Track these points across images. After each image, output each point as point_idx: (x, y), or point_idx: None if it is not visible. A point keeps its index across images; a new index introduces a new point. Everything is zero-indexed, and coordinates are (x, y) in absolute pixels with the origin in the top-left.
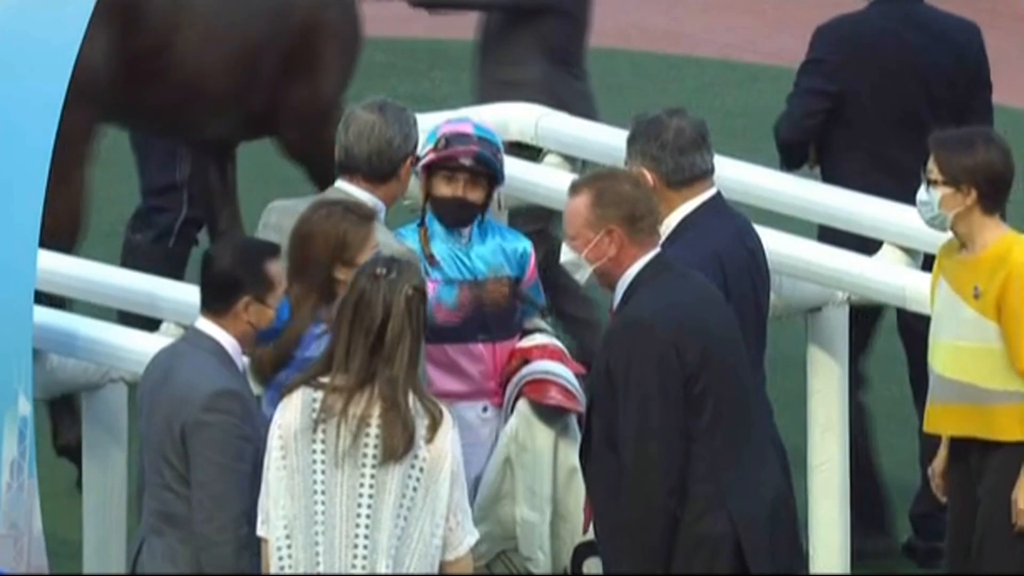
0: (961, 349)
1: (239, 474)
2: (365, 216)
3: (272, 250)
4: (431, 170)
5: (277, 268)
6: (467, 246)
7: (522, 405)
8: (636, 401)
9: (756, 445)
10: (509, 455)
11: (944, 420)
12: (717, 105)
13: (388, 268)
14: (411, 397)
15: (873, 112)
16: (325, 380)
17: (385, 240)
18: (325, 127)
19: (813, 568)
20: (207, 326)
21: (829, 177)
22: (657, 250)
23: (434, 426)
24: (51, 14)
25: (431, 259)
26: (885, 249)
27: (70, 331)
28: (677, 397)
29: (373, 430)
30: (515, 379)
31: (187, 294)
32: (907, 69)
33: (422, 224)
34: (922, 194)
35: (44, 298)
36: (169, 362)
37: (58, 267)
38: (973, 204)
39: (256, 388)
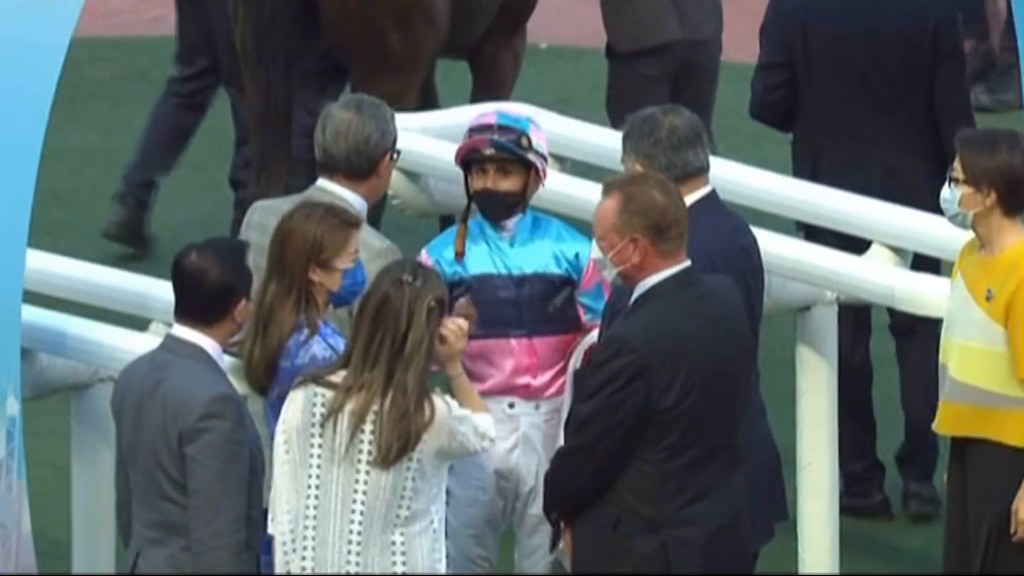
0: (969, 350)
1: (234, 478)
2: (347, 221)
3: (244, 247)
4: (467, 167)
5: (251, 263)
6: (510, 242)
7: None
8: (587, 413)
9: (724, 469)
10: None
11: (951, 419)
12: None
13: (414, 276)
14: (415, 401)
15: (823, 78)
16: (333, 378)
17: (366, 237)
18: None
19: (802, 567)
20: (185, 332)
21: (797, 142)
22: (684, 264)
23: (426, 423)
24: (39, 15)
25: (459, 255)
26: (874, 248)
27: (59, 330)
28: (629, 424)
29: (368, 428)
30: (572, 358)
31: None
32: (854, 33)
33: (463, 221)
34: (945, 191)
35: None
36: (154, 373)
37: (47, 267)
38: (993, 205)
39: (241, 388)
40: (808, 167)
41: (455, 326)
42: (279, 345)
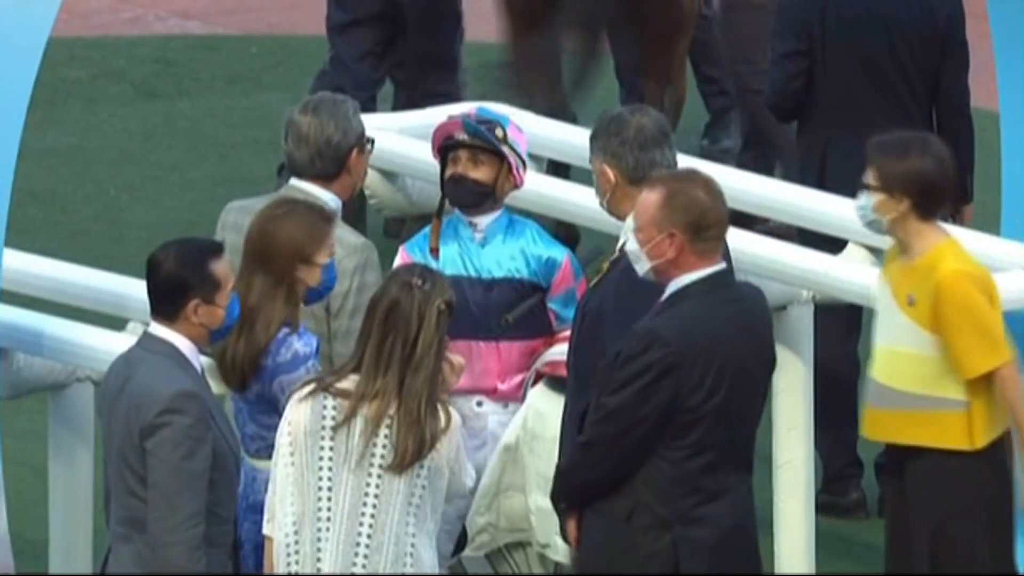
0: (896, 354)
1: (191, 474)
2: (323, 216)
3: (215, 249)
4: (444, 158)
5: (222, 267)
6: (480, 243)
7: (532, 395)
8: (613, 406)
9: (737, 473)
10: (516, 444)
11: (879, 426)
12: (685, 104)
13: (423, 279)
14: (426, 405)
15: (837, 67)
16: (344, 385)
17: (341, 234)
18: None
19: (778, 567)
20: (160, 330)
21: (804, 132)
22: (719, 266)
23: (442, 430)
24: (17, 14)
25: (434, 252)
26: (850, 248)
27: (36, 330)
28: (654, 420)
29: (382, 432)
30: (531, 371)
31: None
32: (871, 24)
33: (438, 215)
34: (859, 198)
35: None
36: (126, 370)
37: (24, 266)
38: (907, 211)
39: (218, 387)
40: (817, 158)
41: (457, 363)
42: (267, 342)
